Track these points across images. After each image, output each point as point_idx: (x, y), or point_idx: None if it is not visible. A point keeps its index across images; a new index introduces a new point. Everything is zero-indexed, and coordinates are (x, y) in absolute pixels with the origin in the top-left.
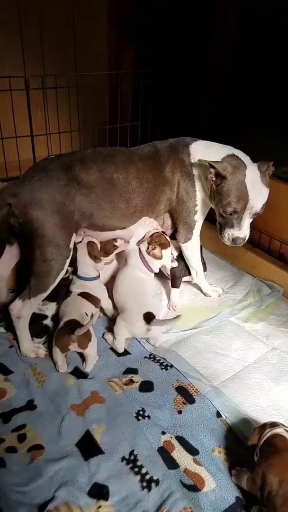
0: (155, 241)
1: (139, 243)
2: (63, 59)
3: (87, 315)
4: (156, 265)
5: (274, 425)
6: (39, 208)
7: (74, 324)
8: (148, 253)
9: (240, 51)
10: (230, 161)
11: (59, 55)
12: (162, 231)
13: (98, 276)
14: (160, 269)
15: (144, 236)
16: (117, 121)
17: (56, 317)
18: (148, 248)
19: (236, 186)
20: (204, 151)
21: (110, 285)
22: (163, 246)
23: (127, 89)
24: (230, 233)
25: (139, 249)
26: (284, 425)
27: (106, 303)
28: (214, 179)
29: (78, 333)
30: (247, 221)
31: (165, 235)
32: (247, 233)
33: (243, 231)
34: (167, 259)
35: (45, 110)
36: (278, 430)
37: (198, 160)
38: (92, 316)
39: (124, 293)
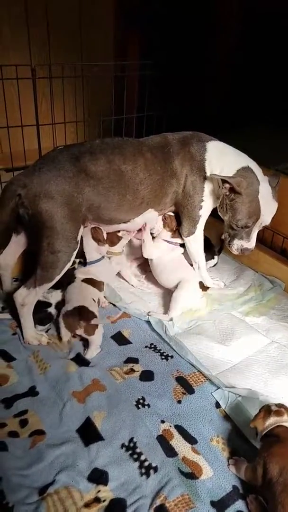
0: (173, 225)
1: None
2: (70, 49)
3: (94, 300)
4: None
5: (279, 413)
6: (49, 200)
7: (84, 311)
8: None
9: (244, 42)
10: (244, 175)
11: (65, 45)
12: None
13: (103, 257)
14: None
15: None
16: (123, 111)
17: (60, 305)
18: (173, 233)
19: (250, 203)
20: (220, 155)
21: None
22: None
23: (133, 80)
24: (239, 244)
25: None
26: None
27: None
28: (228, 193)
29: (95, 322)
30: (255, 233)
31: (169, 215)
32: (254, 243)
33: (251, 242)
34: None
35: (51, 99)
36: (283, 419)
37: (211, 175)
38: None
39: (177, 269)
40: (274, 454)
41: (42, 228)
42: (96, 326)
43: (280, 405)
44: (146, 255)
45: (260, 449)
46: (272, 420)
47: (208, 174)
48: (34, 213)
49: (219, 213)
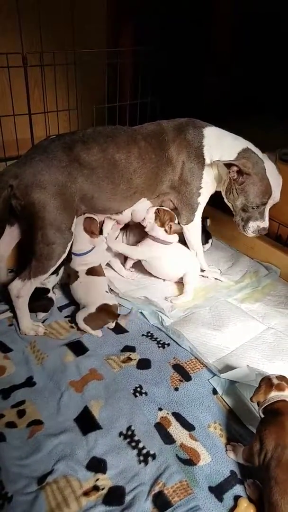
0: (166, 219)
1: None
2: (62, 36)
3: (107, 292)
4: (173, 238)
5: (280, 387)
6: (41, 190)
7: (108, 309)
8: (170, 233)
9: (240, 29)
10: (247, 156)
11: (57, 32)
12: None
13: (93, 248)
14: None
15: (144, 218)
16: (116, 99)
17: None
18: (166, 231)
19: (260, 181)
20: (218, 140)
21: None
22: (173, 218)
23: (127, 67)
24: (255, 226)
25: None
26: None
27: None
28: (235, 177)
29: (123, 318)
30: (267, 211)
31: (164, 208)
32: (268, 222)
33: (266, 221)
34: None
35: (43, 88)
36: (285, 394)
37: (215, 161)
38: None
39: (178, 263)
40: (271, 432)
41: (35, 219)
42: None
43: (281, 378)
44: (134, 258)
45: (259, 424)
46: (273, 394)
47: (207, 160)
48: (26, 204)
49: (226, 201)
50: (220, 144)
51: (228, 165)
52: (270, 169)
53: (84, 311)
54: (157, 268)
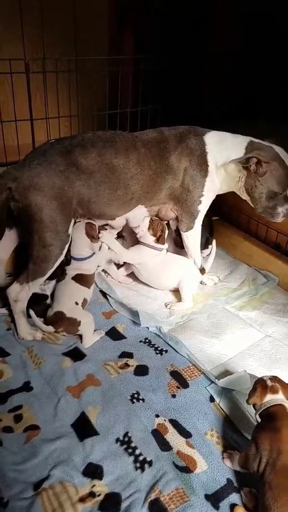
0: (159, 230)
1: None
2: (64, 43)
3: (77, 304)
4: (162, 245)
5: (274, 389)
6: (38, 193)
7: (60, 317)
8: (161, 243)
9: (241, 36)
10: (256, 147)
11: (59, 39)
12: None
13: (93, 253)
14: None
15: (138, 226)
16: (117, 106)
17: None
18: (158, 240)
19: (280, 166)
20: (220, 143)
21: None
22: (165, 230)
23: (128, 75)
24: (284, 210)
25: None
26: (282, 383)
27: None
28: (256, 170)
29: (72, 326)
30: None
31: (157, 219)
32: None
33: None
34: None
35: (45, 94)
36: (277, 397)
37: (232, 160)
38: (84, 301)
39: (172, 270)
40: (266, 435)
41: (32, 221)
42: (77, 324)
43: (274, 379)
44: (123, 259)
45: (254, 429)
46: (268, 398)
47: (211, 166)
48: (24, 206)
49: (246, 196)
50: (224, 147)
51: (246, 161)
52: (281, 152)
53: (51, 308)
54: (147, 277)
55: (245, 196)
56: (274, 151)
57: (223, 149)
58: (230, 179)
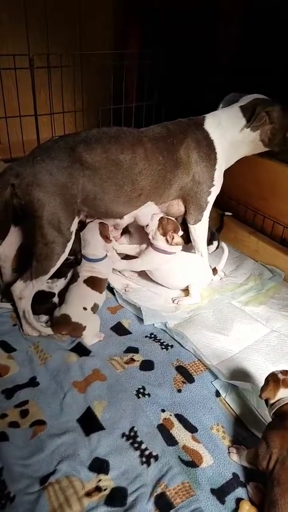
0: (169, 229)
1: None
2: (68, 38)
3: (85, 309)
4: (175, 248)
5: (286, 383)
6: (41, 189)
7: (66, 320)
8: (171, 244)
9: (246, 31)
10: (251, 104)
11: (64, 34)
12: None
13: (106, 255)
14: None
15: (147, 225)
16: (122, 101)
17: (62, 292)
18: (168, 241)
19: (284, 107)
20: (219, 124)
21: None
22: (177, 230)
23: (133, 69)
24: None
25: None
26: None
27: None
28: (271, 120)
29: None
30: None
31: (169, 218)
32: None
33: None
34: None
35: (49, 89)
36: None
37: (245, 126)
38: (95, 306)
39: (184, 272)
40: (278, 433)
41: (35, 218)
42: (82, 329)
43: (285, 372)
44: (137, 269)
45: (266, 427)
46: (281, 393)
47: (219, 151)
48: (26, 202)
49: (268, 146)
50: (223, 124)
51: (259, 121)
52: (260, 95)
53: (57, 310)
54: (161, 278)
55: (265, 148)
56: (267, 99)
57: (225, 127)
58: (249, 143)
